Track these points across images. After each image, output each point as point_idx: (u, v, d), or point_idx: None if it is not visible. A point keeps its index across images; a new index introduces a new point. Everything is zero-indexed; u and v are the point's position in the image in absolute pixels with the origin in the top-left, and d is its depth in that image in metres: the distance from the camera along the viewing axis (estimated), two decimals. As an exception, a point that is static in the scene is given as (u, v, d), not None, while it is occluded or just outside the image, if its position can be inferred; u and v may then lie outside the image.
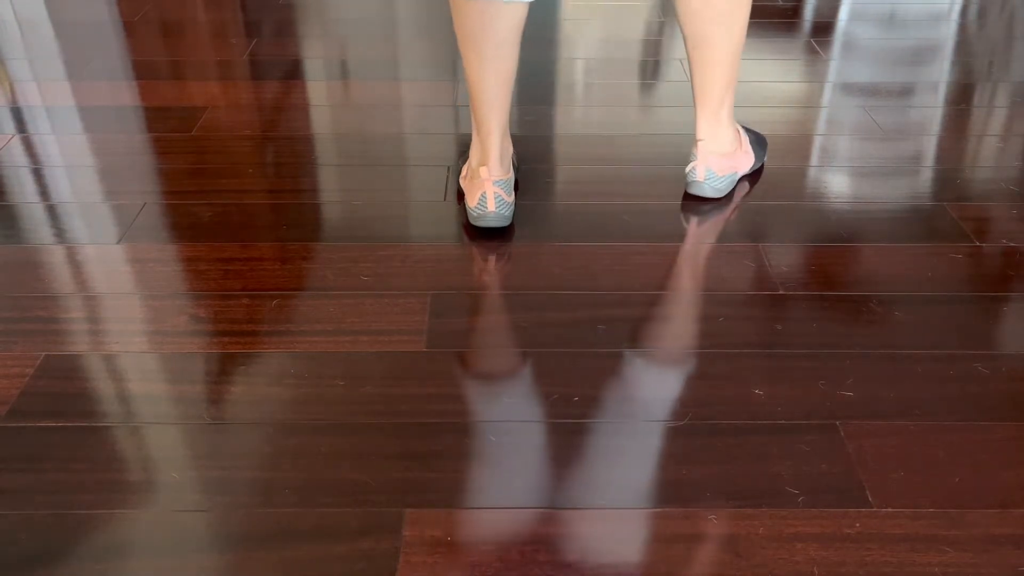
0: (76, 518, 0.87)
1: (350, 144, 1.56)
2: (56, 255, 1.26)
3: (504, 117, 1.29)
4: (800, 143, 1.58)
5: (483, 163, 1.31)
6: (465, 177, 1.39)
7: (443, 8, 2.19)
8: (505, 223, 1.31)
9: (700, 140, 1.37)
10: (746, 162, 1.43)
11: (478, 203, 1.30)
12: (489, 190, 1.30)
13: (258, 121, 1.64)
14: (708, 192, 1.38)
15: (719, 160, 1.37)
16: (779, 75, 1.83)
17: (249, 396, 1.02)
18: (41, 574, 0.82)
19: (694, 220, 1.35)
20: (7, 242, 1.29)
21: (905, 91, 1.77)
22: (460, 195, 1.42)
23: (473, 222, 1.32)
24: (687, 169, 1.39)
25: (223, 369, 1.06)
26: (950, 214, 1.37)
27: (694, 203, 1.39)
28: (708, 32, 1.27)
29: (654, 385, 1.03)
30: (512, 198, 1.32)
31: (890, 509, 0.88)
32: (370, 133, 1.60)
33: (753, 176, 1.47)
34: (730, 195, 1.41)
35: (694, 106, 1.37)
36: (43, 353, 1.08)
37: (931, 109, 1.70)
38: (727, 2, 1.24)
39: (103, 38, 1.99)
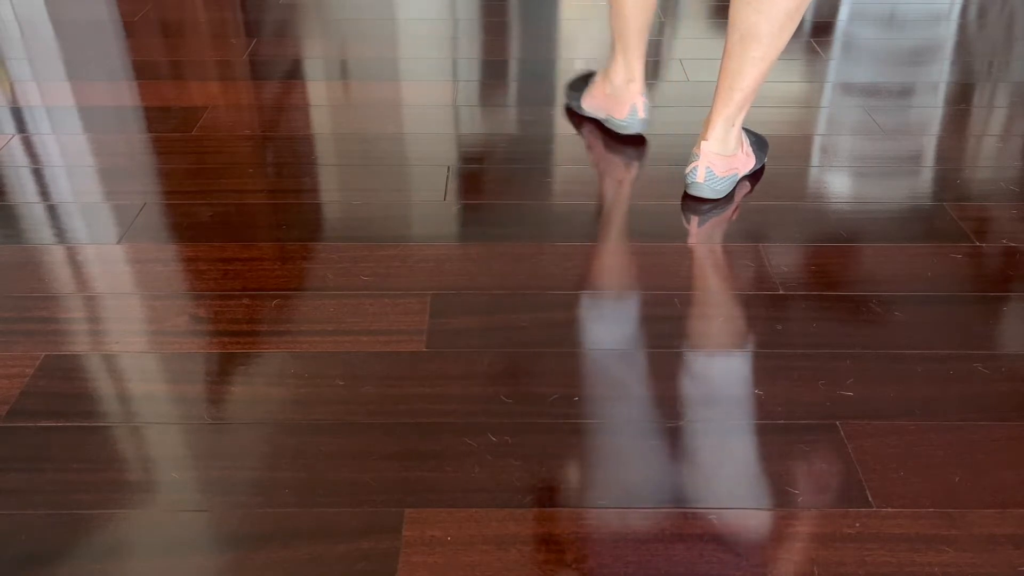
0: (76, 518, 0.87)
1: (350, 144, 1.56)
2: (56, 255, 1.26)
3: (645, 40, 1.50)
4: (800, 143, 1.58)
5: (631, 79, 1.53)
6: (599, 96, 1.60)
7: (443, 8, 2.20)
8: (646, 128, 1.57)
9: (705, 141, 1.36)
10: (746, 164, 1.43)
11: (629, 114, 1.54)
12: (639, 101, 1.54)
13: (258, 121, 1.64)
14: (707, 193, 1.38)
15: (720, 161, 1.37)
16: (779, 75, 1.83)
17: (249, 396, 1.02)
18: (41, 574, 0.82)
19: (694, 220, 1.35)
20: (7, 242, 1.29)
21: (905, 91, 1.77)
22: (573, 114, 1.67)
23: (622, 131, 1.57)
24: (687, 170, 1.39)
25: (223, 369, 1.06)
26: (950, 214, 1.37)
27: (694, 203, 1.39)
28: (758, 25, 1.25)
29: (654, 385, 1.03)
30: None
31: (890, 509, 0.88)
32: (370, 133, 1.60)
33: (753, 176, 1.47)
34: (730, 195, 1.41)
35: (712, 106, 1.36)
36: (43, 353, 1.08)
37: (931, 109, 1.70)
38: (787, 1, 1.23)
39: (103, 38, 1.99)
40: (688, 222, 1.35)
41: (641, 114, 1.54)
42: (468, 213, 1.37)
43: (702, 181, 1.37)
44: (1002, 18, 2.15)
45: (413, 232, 1.32)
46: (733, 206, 1.39)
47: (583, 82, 1.69)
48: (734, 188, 1.42)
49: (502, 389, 1.03)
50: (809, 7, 2.21)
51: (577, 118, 1.66)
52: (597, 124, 1.63)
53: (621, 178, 1.45)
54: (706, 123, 1.37)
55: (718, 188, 1.38)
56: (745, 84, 1.31)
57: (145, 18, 2.11)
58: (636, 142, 1.57)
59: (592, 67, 1.88)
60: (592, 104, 1.62)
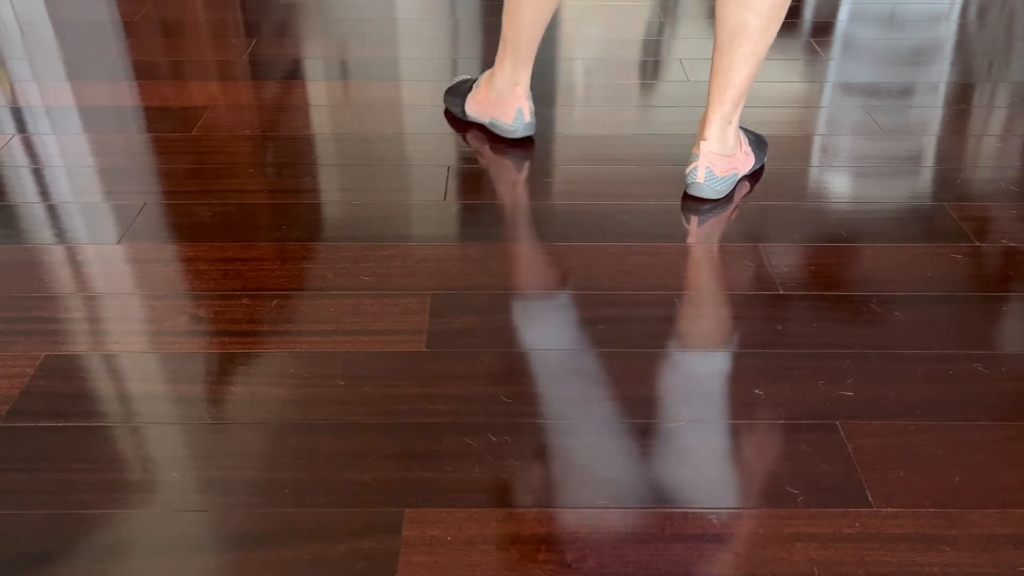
0: (76, 518, 0.87)
1: (350, 144, 1.56)
2: (56, 255, 1.26)
3: (537, 46, 1.50)
4: (800, 143, 1.58)
5: (517, 83, 1.52)
6: (484, 102, 1.58)
7: (443, 8, 2.20)
8: (533, 131, 1.58)
9: (704, 140, 1.36)
10: (746, 163, 1.43)
11: (516, 118, 1.54)
12: (525, 105, 1.53)
13: (258, 121, 1.64)
14: (708, 193, 1.38)
15: (720, 161, 1.37)
16: (779, 75, 1.83)
17: (249, 396, 1.02)
18: (41, 574, 0.82)
19: (694, 220, 1.35)
20: (7, 242, 1.29)
21: (905, 91, 1.77)
22: (454, 121, 1.63)
23: (509, 135, 1.56)
24: (687, 170, 1.39)
25: (223, 369, 1.06)
26: (950, 214, 1.37)
27: (694, 203, 1.39)
28: (747, 20, 1.26)
29: (654, 384, 1.03)
30: None
31: (890, 509, 0.88)
32: (370, 133, 1.60)
33: (753, 176, 1.47)
34: (730, 195, 1.41)
35: (707, 105, 1.36)
36: (43, 353, 1.08)
37: (931, 109, 1.70)
38: None
39: (103, 38, 1.99)
40: (688, 222, 1.35)
41: (527, 117, 1.54)
42: (468, 213, 1.37)
43: (702, 181, 1.37)
44: (1002, 18, 2.15)
45: (413, 232, 1.32)
46: (733, 206, 1.39)
47: (463, 87, 1.67)
48: (734, 188, 1.42)
49: (502, 389, 1.03)
50: (809, 6, 2.21)
51: (459, 123, 1.63)
52: (482, 128, 1.61)
53: (515, 179, 1.45)
54: (703, 123, 1.37)
55: (718, 188, 1.38)
56: (738, 80, 1.31)
57: (145, 18, 2.11)
58: (525, 144, 1.56)
59: (591, 67, 1.88)
60: (476, 109, 1.60)
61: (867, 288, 1.20)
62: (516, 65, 1.51)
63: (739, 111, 1.36)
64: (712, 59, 1.33)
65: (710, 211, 1.37)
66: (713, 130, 1.36)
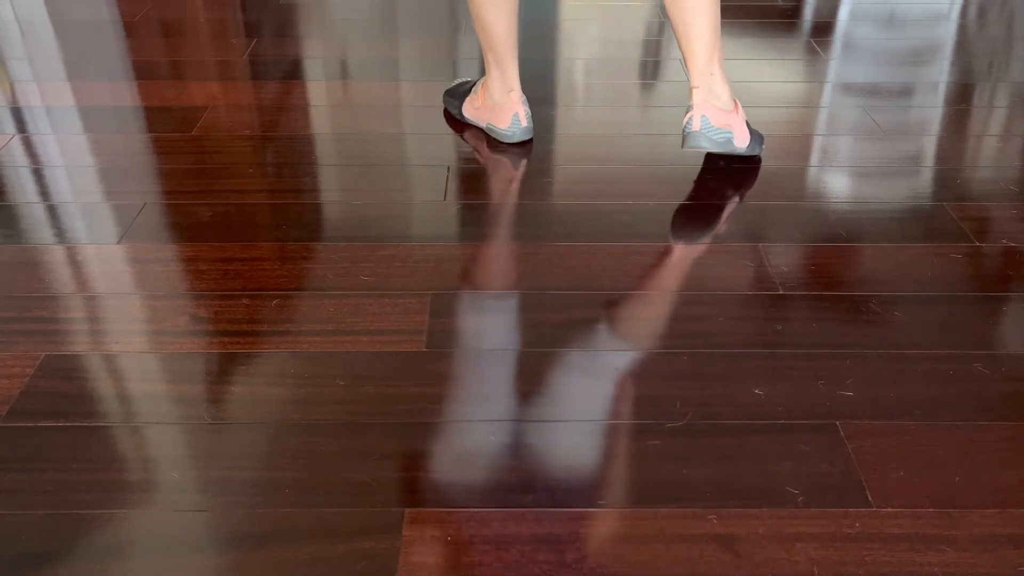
0: (76, 518, 0.87)
1: (350, 144, 1.56)
2: (56, 255, 1.26)
3: (515, 46, 1.50)
4: (800, 143, 1.58)
5: (510, 89, 1.53)
6: (481, 107, 1.58)
7: (443, 8, 2.20)
8: (531, 135, 1.58)
9: (695, 87, 1.38)
10: (742, 130, 1.41)
11: (512, 123, 1.54)
12: (521, 110, 1.54)
13: (258, 121, 1.64)
14: (704, 143, 1.36)
15: (716, 112, 1.36)
16: (779, 75, 1.83)
17: (249, 396, 1.02)
18: (41, 574, 0.82)
19: (694, 220, 1.35)
20: (7, 242, 1.29)
21: (905, 91, 1.77)
22: (453, 121, 1.64)
23: (507, 140, 1.56)
24: (684, 122, 1.38)
25: (223, 369, 1.06)
26: (950, 214, 1.37)
27: (694, 203, 1.39)
28: None
29: (654, 385, 1.03)
30: None
31: (890, 509, 0.88)
32: (370, 133, 1.60)
33: (753, 176, 1.47)
34: (730, 195, 1.41)
35: (687, 68, 1.39)
36: (43, 353, 1.08)
37: (931, 109, 1.70)
38: None
39: (103, 38, 1.99)
40: (688, 222, 1.35)
41: (524, 122, 1.54)
42: (468, 213, 1.37)
43: (698, 129, 1.35)
44: (1002, 18, 2.15)
45: (413, 232, 1.32)
46: (733, 206, 1.39)
47: (461, 89, 1.67)
48: (730, 152, 1.41)
49: (502, 389, 1.03)
50: (809, 6, 2.21)
51: (459, 123, 1.64)
52: (481, 129, 1.61)
53: (515, 179, 1.46)
54: (691, 82, 1.40)
55: (716, 139, 1.35)
56: (700, 33, 1.34)
57: (145, 18, 2.11)
58: (525, 144, 1.56)
59: (591, 67, 1.88)
60: (473, 114, 1.61)
61: (867, 288, 1.20)
62: (502, 69, 1.51)
63: (716, 61, 1.37)
64: (673, 27, 1.36)
65: (710, 211, 1.37)
66: (697, 80, 1.38)
